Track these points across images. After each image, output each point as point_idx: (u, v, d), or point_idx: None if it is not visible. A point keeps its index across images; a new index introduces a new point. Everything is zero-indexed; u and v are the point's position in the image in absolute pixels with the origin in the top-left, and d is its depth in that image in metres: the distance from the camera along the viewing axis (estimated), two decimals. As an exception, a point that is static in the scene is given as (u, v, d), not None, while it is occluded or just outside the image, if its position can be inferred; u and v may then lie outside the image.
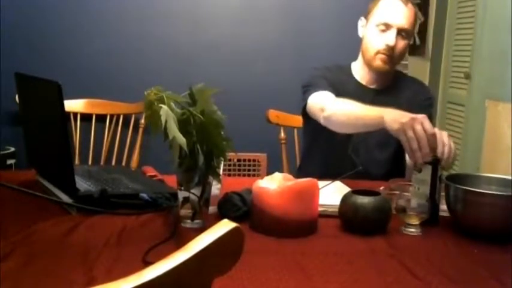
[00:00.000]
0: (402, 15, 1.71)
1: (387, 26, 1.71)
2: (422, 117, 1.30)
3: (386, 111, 1.42)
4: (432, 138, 1.26)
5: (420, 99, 1.81)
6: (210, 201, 1.18)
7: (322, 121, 1.64)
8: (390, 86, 1.81)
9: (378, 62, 1.75)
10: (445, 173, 1.29)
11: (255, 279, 0.91)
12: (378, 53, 1.74)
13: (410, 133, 1.27)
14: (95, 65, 2.89)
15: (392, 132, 1.35)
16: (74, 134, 2.48)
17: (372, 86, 1.81)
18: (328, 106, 1.62)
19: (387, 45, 1.71)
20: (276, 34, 3.01)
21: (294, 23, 3.01)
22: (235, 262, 0.59)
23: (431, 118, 1.80)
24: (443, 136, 1.28)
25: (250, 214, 1.19)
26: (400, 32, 1.71)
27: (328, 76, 1.80)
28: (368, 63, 1.78)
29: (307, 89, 1.76)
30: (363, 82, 1.83)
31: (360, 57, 1.83)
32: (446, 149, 1.26)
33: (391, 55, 1.73)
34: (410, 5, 1.73)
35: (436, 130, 1.29)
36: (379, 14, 1.73)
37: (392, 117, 1.37)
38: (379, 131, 1.79)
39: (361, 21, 1.81)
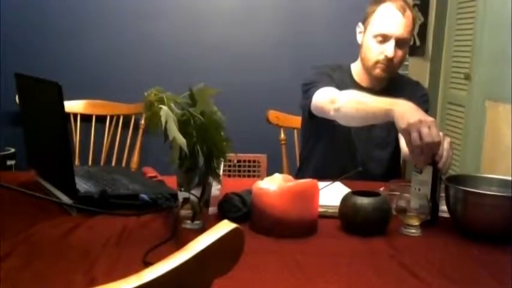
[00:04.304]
0: (400, 25, 1.69)
1: (385, 37, 1.70)
2: (431, 120, 1.26)
3: (397, 103, 1.38)
4: (436, 146, 1.24)
5: (417, 97, 1.81)
6: (210, 202, 1.18)
7: (332, 113, 1.61)
8: (388, 87, 1.81)
9: (378, 71, 1.75)
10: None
11: (255, 280, 0.91)
12: (377, 62, 1.74)
13: (415, 135, 1.25)
14: (95, 65, 2.90)
15: (399, 129, 1.32)
16: (73, 134, 2.48)
17: (371, 87, 1.81)
18: (339, 97, 1.60)
19: (386, 56, 1.71)
20: (276, 35, 3.01)
21: (293, 23, 3.01)
22: (235, 262, 0.59)
23: (427, 113, 1.81)
24: (445, 141, 1.27)
25: (250, 215, 1.19)
26: (399, 42, 1.70)
27: (330, 74, 1.80)
28: (367, 71, 1.79)
29: (312, 86, 1.74)
30: (362, 84, 1.83)
31: (359, 60, 1.83)
32: (445, 154, 1.26)
33: (390, 64, 1.73)
34: (408, 12, 1.71)
35: (440, 135, 1.27)
36: (377, 24, 1.72)
37: (402, 112, 1.32)
38: (380, 130, 1.81)
39: (359, 28, 1.81)
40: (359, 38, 1.81)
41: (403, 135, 1.31)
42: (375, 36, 1.72)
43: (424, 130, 1.24)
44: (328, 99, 1.64)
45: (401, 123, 1.30)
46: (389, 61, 1.71)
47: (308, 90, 1.75)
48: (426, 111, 1.78)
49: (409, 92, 1.82)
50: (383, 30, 1.70)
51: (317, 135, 1.87)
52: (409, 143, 1.28)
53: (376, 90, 1.77)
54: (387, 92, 1.74)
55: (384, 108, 1.40)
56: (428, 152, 1.24)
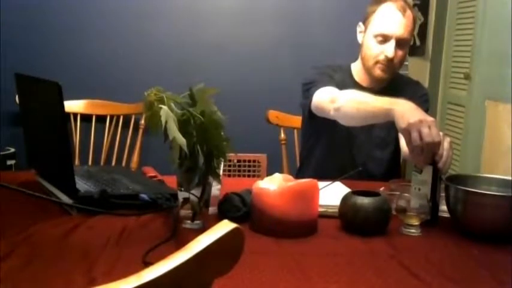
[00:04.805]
0: (400, 26, 1.69)
1: (385, 37, 1.70)
2: (431, 120, 1.26)
3: (397, 103, 1.38)
4: (436, 146, 1.24)
5: (417, 96, 1.81)
6: (210, 201, 1.18)
7: (332, 113, 1.61)
8: (388, 87, 1.81)
9: (378, 72, 1.75)
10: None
11: (255, 280, 0.91)
12: (377, 62, 1.74)
13: (415, 135, 1.25)
14: (95, 65, 2.89)
15: (399, 129, 1.32)
16: (74, 134, 2.48)
17: (371, 87, 1.81)
18: (339, 97, 1.60)
19: (386, 57, 1.71)
20: (276, 34, 3.01)
21: (293, 23, 3.01)
22: (235, 263, 0.58)
23: (427, 113, 1.81)
24: (445, 141, 1.27)
25: (250, 215, 1.19)
26: (399, 42, 1.70)
27: (331, 73, 1.80)
28: (368, 71, 1.79)
29: (312, 86, 1.74)
30: (362, 83, 1.83)
31: (359, 59, 1.83)
32: (445, 154, 1.25)
33: (391, 65, 1.73)
34: (408, 12, 1.70)
35: (440, 135, 1.27)
36: (377, 24, 1.72)
37: (402, 112, 1.32)
38: (380, 130, 1.80)
39: (359, 27, 1.81)
40: (359, 37, 1.81)
41: (403, 135, 1.31)
42: (375, 36, 1.72)
43: (425, 130, 1.24)
44: (328, 99, 1.64)
45: (402, 123, 1.30)
46: (389, 61, 1.71)
47: (308, 90, 1.75)
48: (426, 111, 1.79)
49: (409, 91, 1.82)
50: (383, 30, 1.70)
51: (317, 135, 1.87)
52: (409, 142, 1.28)
53: (376, 90, 1.77)
54: (387, 91, 1.74)
55: (384, 108, 1.40)
56: (429, 152, 1.24)
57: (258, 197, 1.16)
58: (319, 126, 1.81)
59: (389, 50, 1.70)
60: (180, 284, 0.53)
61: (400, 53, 1.72)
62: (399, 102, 1.38)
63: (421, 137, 1.24)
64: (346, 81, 1.81)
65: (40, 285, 0.86)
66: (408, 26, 1.71)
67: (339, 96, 1.61)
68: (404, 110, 1.33)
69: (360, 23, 1.80)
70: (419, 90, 1.88)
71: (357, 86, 1.81)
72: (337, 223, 1.22)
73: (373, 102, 1.48)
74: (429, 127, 1.24)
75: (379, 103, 1.45)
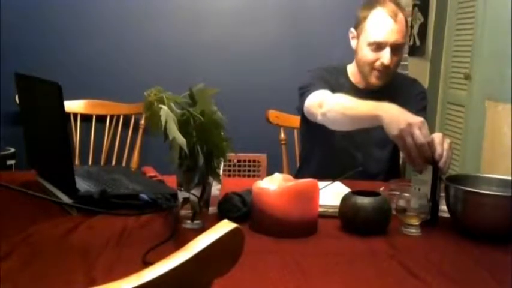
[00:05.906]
0: (393, 32, 1.68)
1: (380, 45, 1.69)
2: (420, 122, 1.27)
3: (383, 108, 1.38)
4: (431, 145, 1.24)
5: (414, 94, 1.81)
6: (210, 201, 1.18)
7: (319, 118, 1.62)
8: (385, 86, 1.81)
9: (374, 79, 1.74)
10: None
11: (255, 280, 0.91)
12: (373, 69, 1.73)
13: (409, 139, 1.25)
14: (95, 65, 2.90)
15: (390, 136, 1.33)
16: (74, 134, 2.48)
17: (368, 89, 1.80)
18: (326, 101, 1.60)
19: (382, 63, 1.70)
20: (276, 34, 3.01)
21: (293, 23, 3.01)
22: (235, 263, 0.58)
23: (426, 111, 1.80)
24: (445, 142, 1.27)
25: (250, 215, 1.19)
26: (394, 47, 1.69)
27: (325, 76, 1.80)
28: (363, 77, 1.78)
29: (305, 90, 1.74)
30: (359, 85, 1.82)
31: (354, 62, 1.82)
32: (445, 154, 1.25)
33: (387, 71, 1.73)
34: (400, 16, 1.69)
35: (440, 136, 1.27)
36: (370, 32, 1.70)
37: (390, 118, 1.33)
38: (379, 129, 1.80)
39: (351, 33, 1.79)
40: (352, 43, 1.80)
41: (396, 142, 1.31)
42: (369, 45, 1.71)
43: (417, 132, 1.24)
44: (316, 103, 1.65)
45: (393, 130, 1.30)
46: (385, 67, 1.71)
47: (303, 94, 1.75)
48: (425, 107, 1.79)
49: (406, 90, 1.82)
50: (377, 38, 1.69)
51: (315, 137, 1.87)
52: (404, 148, 1.28)
53: (374, 90, 1.77)
54: (384, 91, 1.74)
55: (370, 114, 1.41)
56: (425, 153, 1.24)
57: (258, 197, 1.16)
58: (316, 128, 1.81)
59: (385, 57, 1.69)
60: (180, 284, 0.52)
61: (395, 58, 1.71)
62: (384, 107, 1.38)
63: (415, 141, 1.24)
64: (342, 84, 1.81)
65: (40, 285, 0.86)
66: (401, 31, 1.69)
67: (326, 100, 1.61)
68: (392, 116, 1.33)
69: (352, 29, 1.79)
70: (416, 88, 1.88)
71: (353, 87, 1.81)
72: (337, 223, 1.22)
73: (359, 108, 1.48)
74: (419, 128, 1.25)
75: (365, 108, 1.45)
